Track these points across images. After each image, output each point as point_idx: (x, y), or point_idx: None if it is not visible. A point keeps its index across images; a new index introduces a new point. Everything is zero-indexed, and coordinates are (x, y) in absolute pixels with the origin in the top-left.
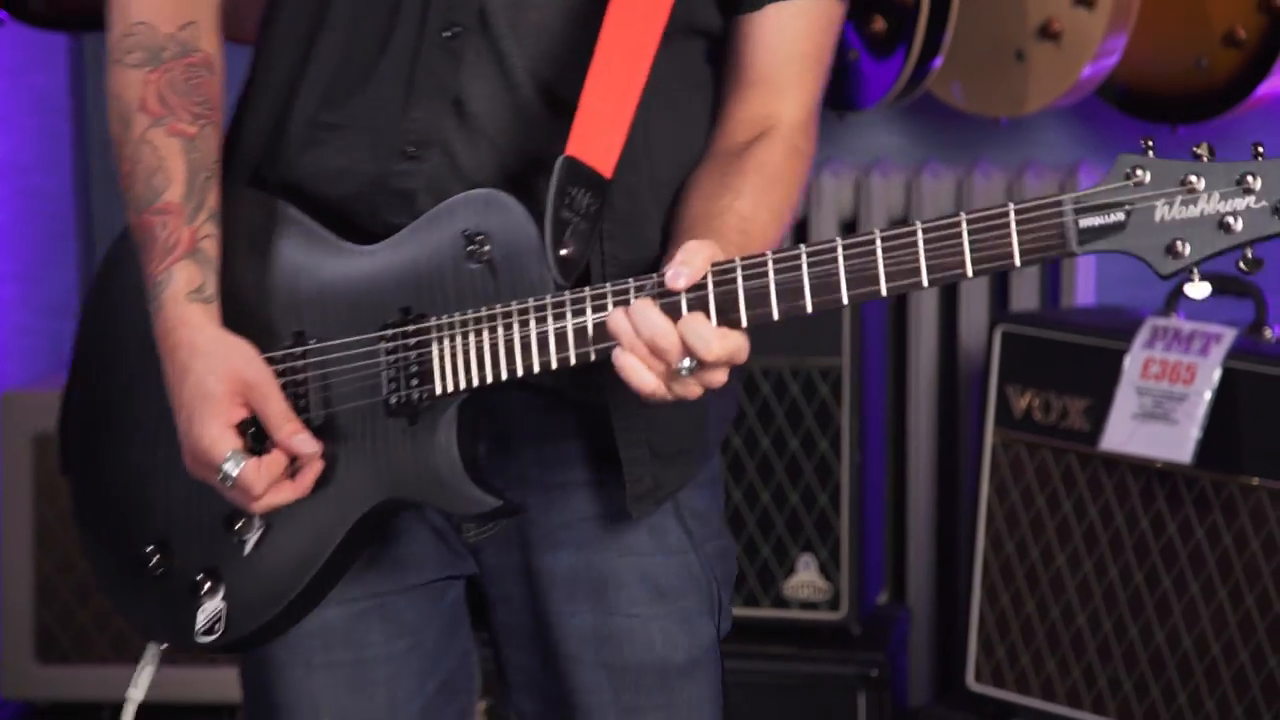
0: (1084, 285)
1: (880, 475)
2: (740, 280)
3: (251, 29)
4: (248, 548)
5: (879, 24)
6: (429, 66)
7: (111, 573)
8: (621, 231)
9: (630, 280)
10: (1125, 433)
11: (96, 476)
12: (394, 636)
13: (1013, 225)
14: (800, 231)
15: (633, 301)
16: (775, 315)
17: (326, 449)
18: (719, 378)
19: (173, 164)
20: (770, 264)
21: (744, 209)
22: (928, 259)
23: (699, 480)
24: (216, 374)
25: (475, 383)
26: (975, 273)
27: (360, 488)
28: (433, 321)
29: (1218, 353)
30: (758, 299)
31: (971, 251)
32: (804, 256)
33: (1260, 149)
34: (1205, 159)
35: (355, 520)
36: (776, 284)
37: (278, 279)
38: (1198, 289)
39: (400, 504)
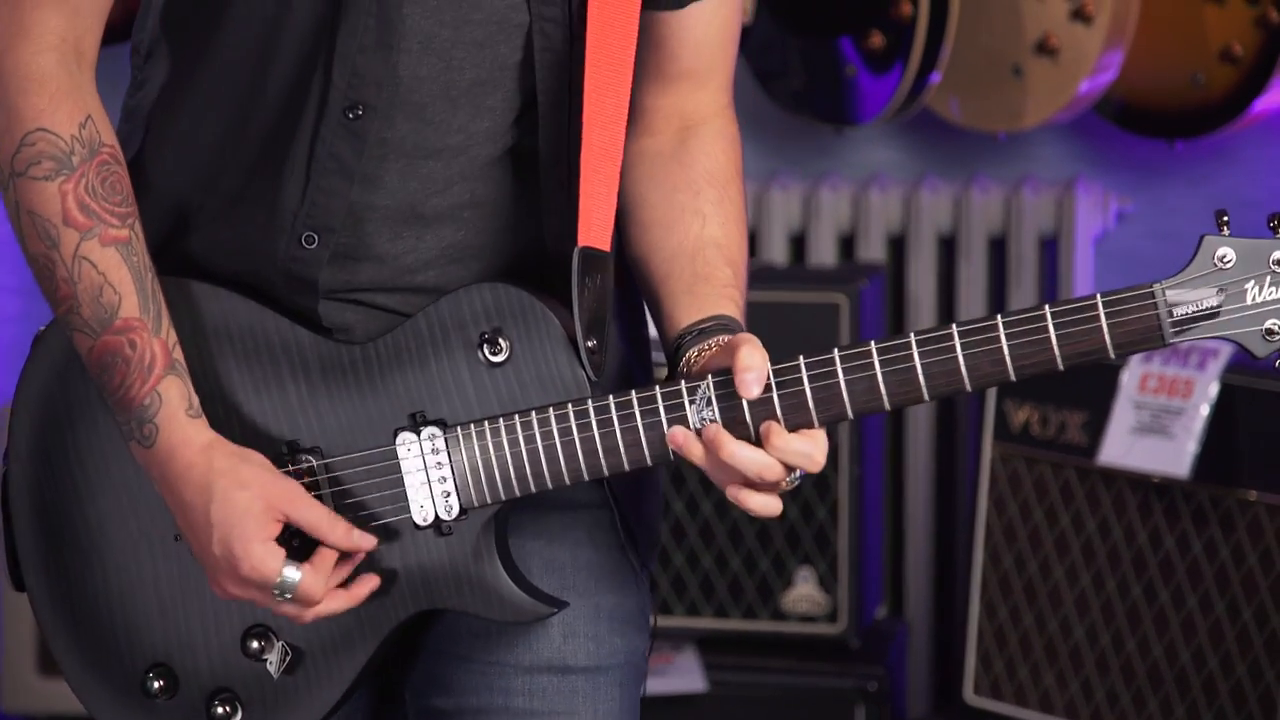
0: None
1: (879, 489)
2: (807, 385)
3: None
4: (273, 668)
5: (877, 39)
6: (330, 148)
7: (94, 690)
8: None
9: (681, 383)
10: (1123, 447)
11: (64, 595)
12: None
13: (1102, 317)
14: (798, 244)
15: (720, 444)
16: (850, 415)
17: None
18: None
19: (116, 276)
20: (838, 364)
21: (716, 234)
22: (1011, 353)
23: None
24: (249, 489)
25: (518, 493)
26: (1066, 366)
27: (392, 600)
28: (458, 431)
29: (1215, 367)
30: (830, 401)
31: (1060, 345)
32: (875, 354)
33: None
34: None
35: (387, 633)
36: (847, 384)
37: (259, 384)
38: None
39: (434, 613)
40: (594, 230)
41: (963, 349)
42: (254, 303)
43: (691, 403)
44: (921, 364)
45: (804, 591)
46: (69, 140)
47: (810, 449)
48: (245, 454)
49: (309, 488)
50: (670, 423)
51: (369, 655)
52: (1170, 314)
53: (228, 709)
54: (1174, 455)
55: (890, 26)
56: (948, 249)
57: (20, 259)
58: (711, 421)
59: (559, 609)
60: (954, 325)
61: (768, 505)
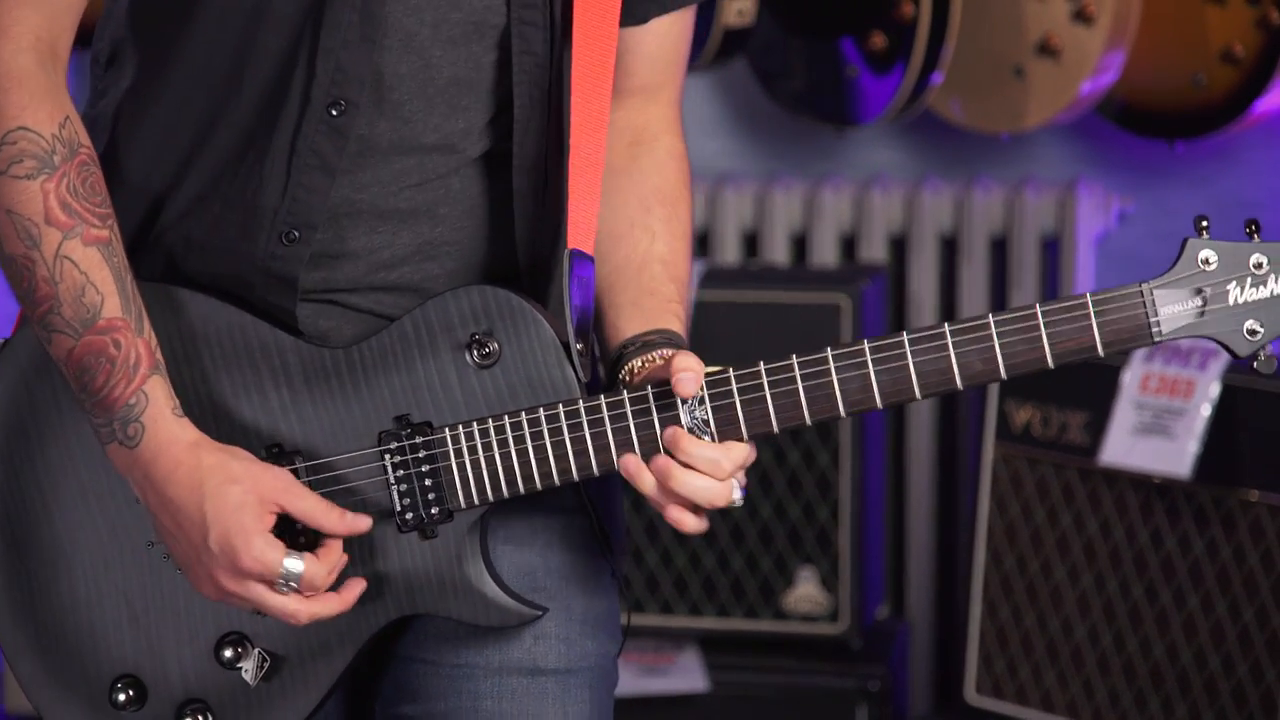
0: None
1: (880, 489)
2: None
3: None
4: (250, 677)
5: (878, 40)
6: (311, 144)
7: (59, 706)
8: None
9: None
10: (1124, 447)
11: (28, 608)
12: None
13: (1092, 315)
14: (800, 245)
15: (669, 474)
16: (842, 414)
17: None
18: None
19: (98, 276)
20: (831, 363)
21: (663, 252)
22: (1003, 351)
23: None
24: (241, 484)
25: (506, 495)
26: (1056, 364)
27: (374, 606)
28: (446, 432)
29: (1216, 367)
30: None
31: (1051, 343)
32: (868, 354)
33: None
34: (1257, 237)
35: (367, 639)
36: (840, 383)
37: (240, 389)
38: (1267, 364)
39: (403, 620)
40: (580, 234)
41: (955, 348)
42: (233, 307)
43: (684, 401)
44: (914, 363)
45: (806, 591)
46: (50, 140)
47: (718, 456)
48: (231, 450)
49: None
50: (663, 422)
51: (347, 662)
52: (1158, 312)
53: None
54: (1175, 455)
55: (892, 27)
56: (949, 249)
57: None
58: (704, 421)
59: (542, 613)
60: (946, 325)
61: (701, 525)
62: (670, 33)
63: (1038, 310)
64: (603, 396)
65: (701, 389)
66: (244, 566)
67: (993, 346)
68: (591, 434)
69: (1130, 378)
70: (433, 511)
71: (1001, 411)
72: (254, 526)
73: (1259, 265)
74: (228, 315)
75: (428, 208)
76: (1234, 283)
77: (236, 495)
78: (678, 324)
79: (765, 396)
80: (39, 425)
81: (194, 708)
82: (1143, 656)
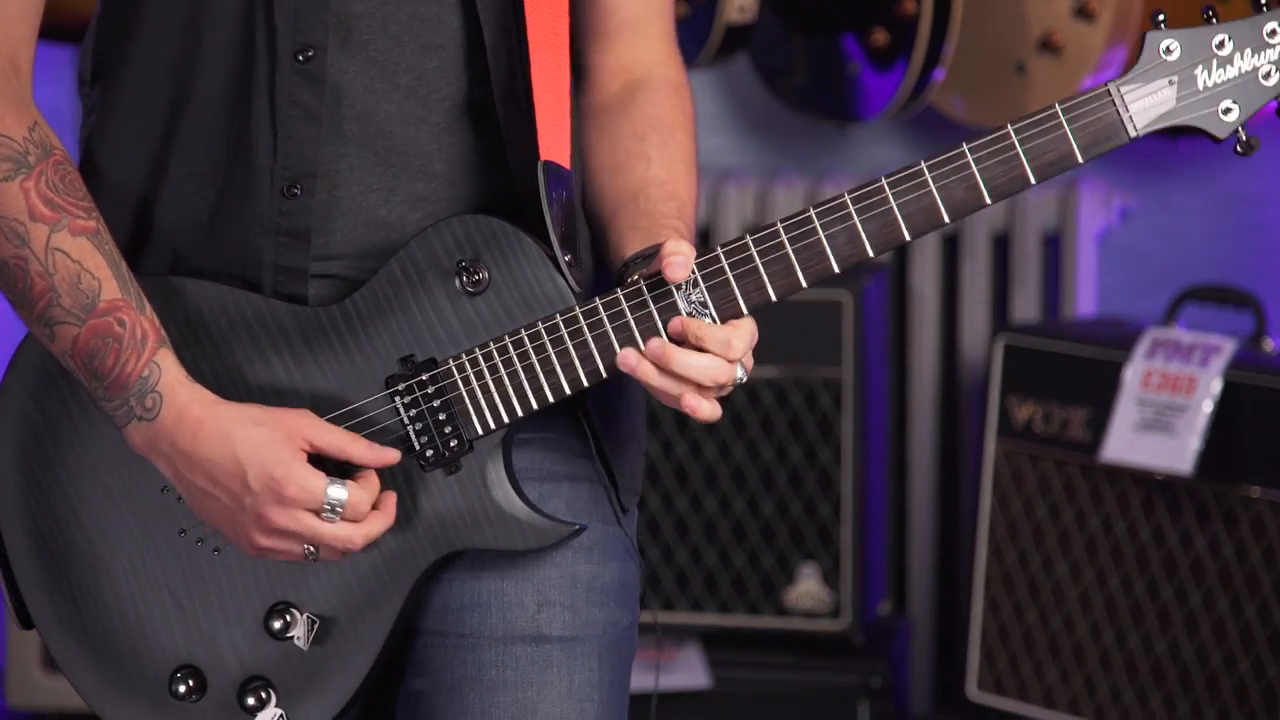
0: (1084, 296)
1: (882, 485)
2: (791, 250)
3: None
4: (303, 643)
5: (880, 37)
6: (290, 96)
7: (122, 709)
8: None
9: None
10: (1126, 443)
11: (74, 619)
12: None
13: (1064, 123)
14: None
15: (669, 357)
16: (836, 270)
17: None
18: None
19: (92, 262)
20: (815, 220)
21: (660, 174)
22: (984, 176)
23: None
24: (266, 425)
25: (520, 413)
26: (1039, 178)
27: (410, 550)
28: (451, 363)
29: (1218, 364)
30: (801, 264)
31: (1030, 159)
32: (850, 204)
33: (1264, 4)
34: (1218, 19)
35: (412, 585)
36: (828, 238)
37: (243, 363)
38: (1249, 146)
39: (455, 556)
40: (552, 145)
41: (935, 181)
42: (223, 286)
43: (678, 287)
44: (898, 205)
45: (807, 588)
46: (22, 142)
47: (729, 335)
48: (246, 404)
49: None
50: (660, 312)
51: (396, 613)
52: (1129, 107)
53: (261, 696)
54: (1177, 452)
55: (894, 24)
56: (951, 246)
57: None
58: (701, 303)
59: (579, 528)
60: (922, 161)
61: (715, 412)
62: None
63: (1010, 130)
64: (598, 298)
65: (693, 271)
66: (289, 495)
67: (972, 174)
68: (593, 336)
69: (1132, 374)
70: (452, 444)
71: (1003, 408)
72: (291, 457)
73: (1221, 45)
74: (219, 294)
75: (421, 164)
76: (1200, 67)
77: (265, 434)
78: (677, 237)
79: (757, 266)
80: (55, 436)
81: (255, 685)
82: (1144, 653)
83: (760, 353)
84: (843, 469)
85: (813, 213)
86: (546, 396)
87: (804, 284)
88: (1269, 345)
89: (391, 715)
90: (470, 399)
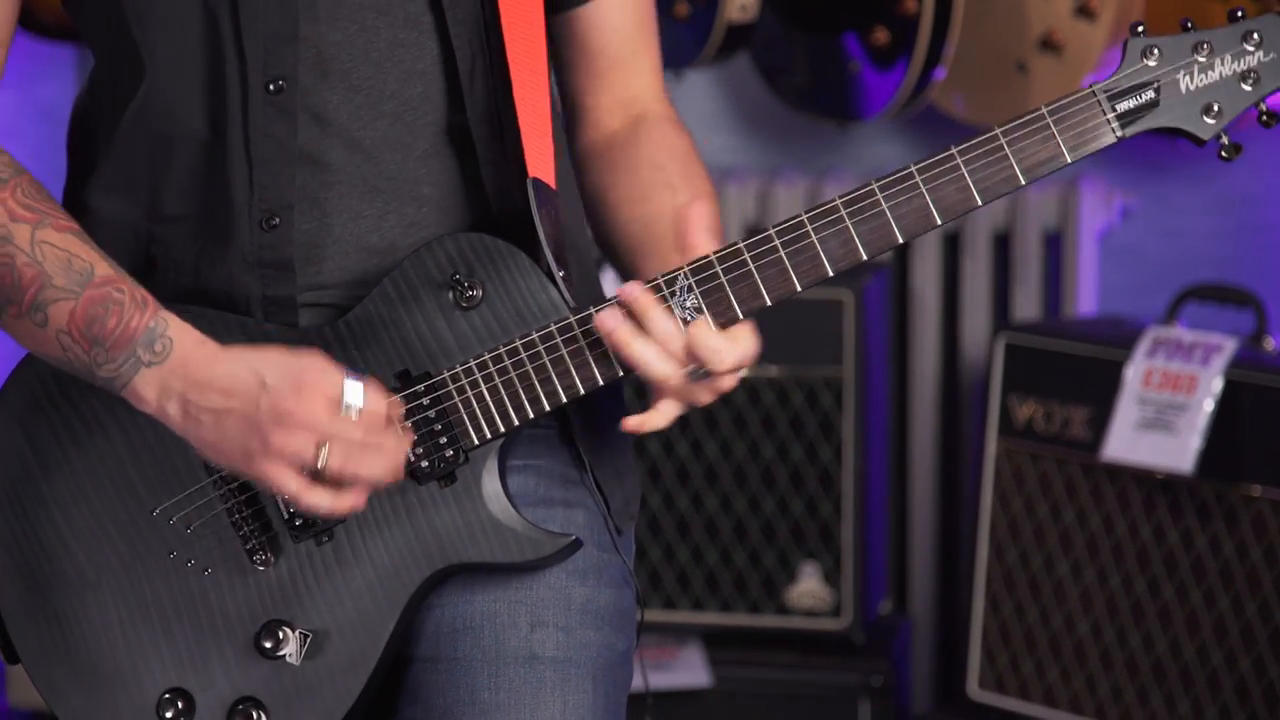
0: (1085, 295)
1: (883, 484)
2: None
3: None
4: (295, 658)
5: (881, 35)
6: (263, 129)
7: None
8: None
9: (658, 278)
10: (1127, 442)
11: (60, 646)
12: None
13: (1052, 126)
14: None
15: (698, 340)
16: (830, 273)
17: (357, 535)
18: (729, 384)
19: (80, 249)
20: (808, 225)
21: (686, 202)
22: (974, 179)
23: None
24: (280, 350)
25: (516, 422)
26: (1028, 179)
27: (405, 564)
28: (445, 374)
29: (1219, 363)
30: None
31: (1018, 161)
32: (842, 209)
33: (1240, 13)
34: (1196, 27)
35: (406, 601)
36: (821, 242)
37: None
38: (1232, 150)
39: (450, 572)
40: (538, 163)
41: (925, 184)
42: (212, 310)
43: (672, 294)
44: (889, 208)
45: (808, 587)
46: None
47: (719, 345)
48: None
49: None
50: (655, 318)
51: (390, 630)
52: (1114, 109)
53: (252, 716)
54: (1178, 451)
55: (895, 22)
56: (952, 245)
57: None
58: (696, 310)
59: (576, 542)
60: (912, 165)
61: (657, 363)
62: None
63: (998, 132)
64: (592, 308)
65: (687, 277)
66: (308, 380)
67: (963, 176)
68: (588, 344)
69: (1133, 373)
70: (448, 455)
71: (1004, 407)
72: (309, 359)
73: (1200, 50)
74: (209, 318)
75: (411, 188)
76: (1181, 72)
77: (282, 354)
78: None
79: (751, 271)
80: (43, 462)
81: (245, 706)
82: (1145, 652)
83: (762, 352)
84: (844, 468)
85: (804, 216)
86: (543, 405)
87: (799, 288)
88: (1270, 344)
89: None
90: (466, 409)
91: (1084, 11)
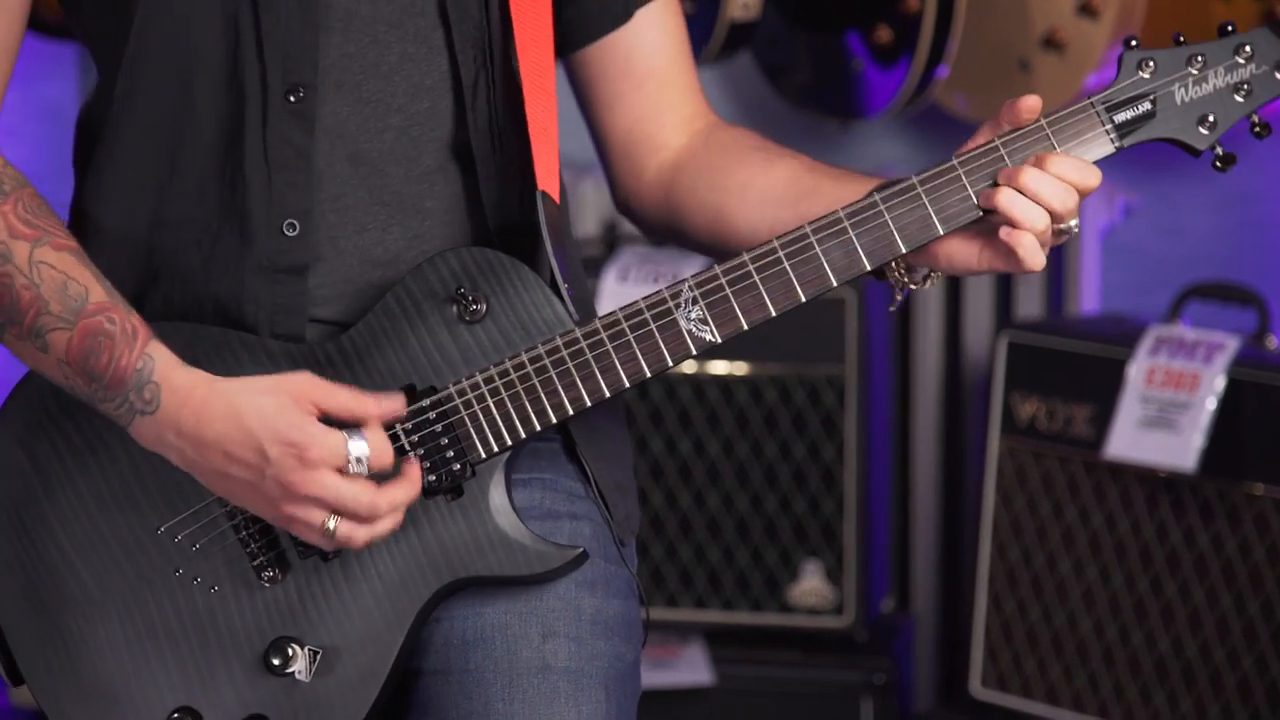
0: (1088, 293)
1: (885, 482)
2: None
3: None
4: (305, 675)
5: (884, 34)
6: (282, 135)
7: None
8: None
9: (663, 291)
10: (1129, 440)
11: (67, 668)
12: None
13: (1051, 137)
14: None
15: (1045, 161)
16: (834, 283)
17: (364, 550)
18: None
19: (77, 272)
20: (812, 238)
21: (792, 161)
22: (975, 189)
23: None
24: (271, 393)
25: (524, 434)
26: None
27: (413, 579)
28: (451, 389)
29: (1221, 361)
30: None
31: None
32: (846, 221)
33: (1230, 27)
34: (1186, 41)
35: (414, 616)
36: (824, 254)
37: None
38: (1227, 160)
39: (458, 585)
40: (546, 176)
41: (927, 194)
42: (214, 327)
43: (677, 306)
44: (892, 218)
45: (811, 585)
46: None
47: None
48: (245, 377)
49: None
50: (660, 330)
51: (399, 645)
52: (1112, 121)
53: None
54: (1180, 449)
55: (897, 20)
56: None
57: None
58: (701, 321)
59: (583, 554)
60: (914, 176)
61: (1037, 252)
62: (663, 19)
63: (998, 143)
64: (597, 319)
65: (693, 289)
66: (312, 457)
67: (964, 186)
68: (594, 355)
69: (1136, 371)
70: (455, 468)
71: (1007, 405)
72: (305, 420)
73: (1194, 63)
74: (210, 335)
75: (415, 202)
76: (1176, 84)
77: (273, 401)
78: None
79: (756, 283)
80: (46, 482)
81: None
82: (1148, 650)
83: (764, 350)
84: (846, 466)
85: (808, 228)
86: (550, 418)
87: (804, 299)
88: (1272, 342)
89: None
90: (473, 423)
91: (1086, 10)
